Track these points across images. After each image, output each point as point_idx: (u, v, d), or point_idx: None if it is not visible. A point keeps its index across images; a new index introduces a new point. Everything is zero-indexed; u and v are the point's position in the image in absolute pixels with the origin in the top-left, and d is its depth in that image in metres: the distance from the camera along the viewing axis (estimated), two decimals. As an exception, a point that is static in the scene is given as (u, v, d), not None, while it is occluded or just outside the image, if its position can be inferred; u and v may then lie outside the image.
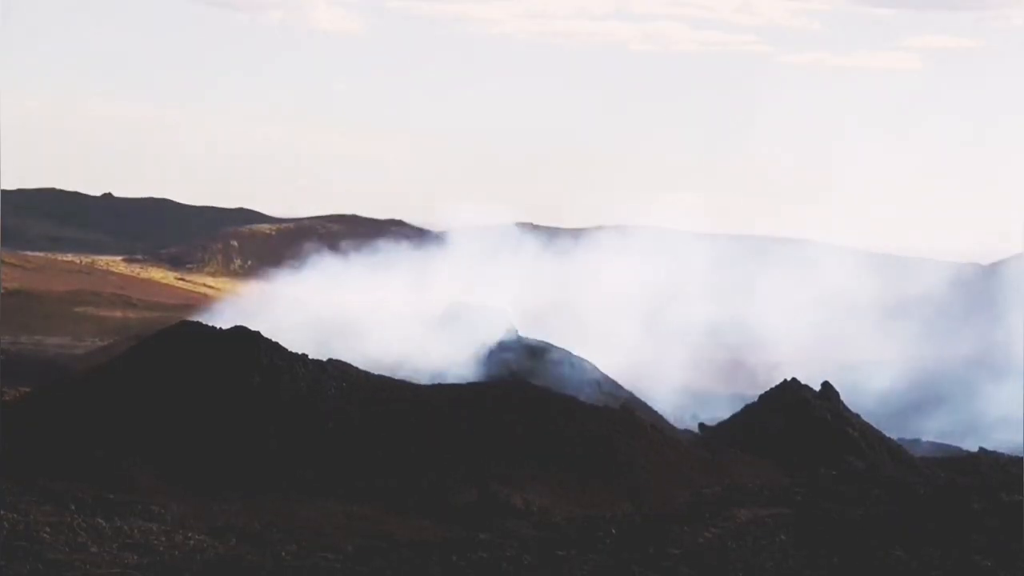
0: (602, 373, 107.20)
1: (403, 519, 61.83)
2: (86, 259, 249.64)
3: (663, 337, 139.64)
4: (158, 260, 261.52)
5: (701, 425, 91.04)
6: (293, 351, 74.29)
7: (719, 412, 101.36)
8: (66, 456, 65.44)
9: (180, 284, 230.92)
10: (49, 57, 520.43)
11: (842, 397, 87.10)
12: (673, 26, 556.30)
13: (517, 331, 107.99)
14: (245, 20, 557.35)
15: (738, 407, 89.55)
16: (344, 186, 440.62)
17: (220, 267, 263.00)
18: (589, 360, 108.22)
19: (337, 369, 74.76)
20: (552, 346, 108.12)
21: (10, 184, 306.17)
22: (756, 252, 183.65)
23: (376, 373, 79.28)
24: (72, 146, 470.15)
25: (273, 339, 74.54)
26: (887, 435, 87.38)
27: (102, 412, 69.46)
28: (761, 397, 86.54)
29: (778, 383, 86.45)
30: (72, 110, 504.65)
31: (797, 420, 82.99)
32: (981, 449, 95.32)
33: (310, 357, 74.44)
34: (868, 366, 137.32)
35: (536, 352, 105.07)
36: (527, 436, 71.24)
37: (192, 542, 52.80)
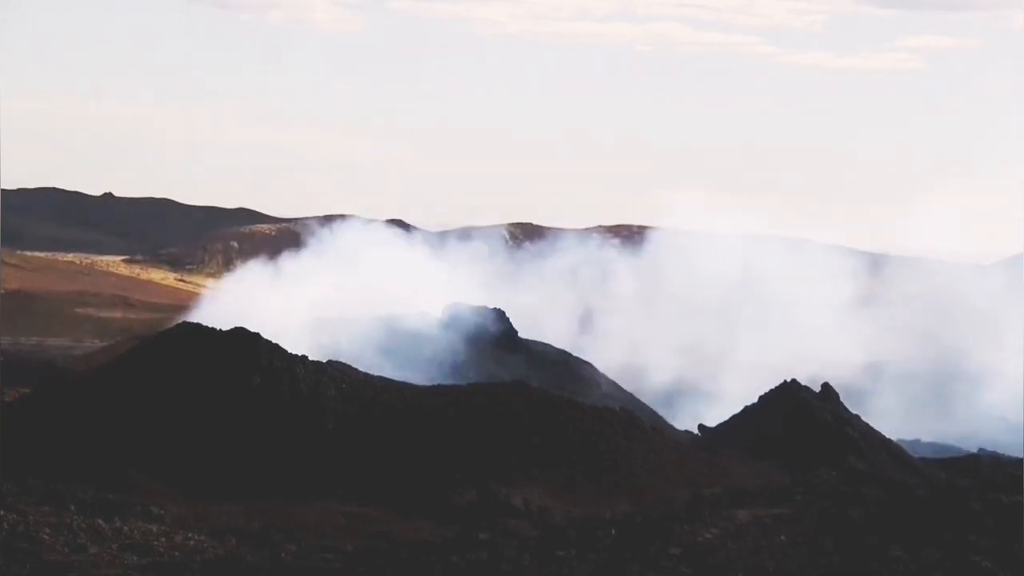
0: (602, 374, 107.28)
1: (403, 519, 61.81)
2: (86, 259, 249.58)
3: (662, 337, 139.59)
4: (158, 260, 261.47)
5: (701, 425, 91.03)
6: (293, 352, 74.35)
7: (719, 412, 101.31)
8: (66, 456, 65.47)
9: (180, 285, 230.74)
10: (49, 57, 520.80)
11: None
12: (676, 27, 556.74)
13: (516, 332, 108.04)
14: (246, 20, 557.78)
15: (738, 407, 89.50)
16: (344, 186, 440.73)
17: (220, 267, 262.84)
18: (588, 361, 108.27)
19: (337, 370, 74.75)
20: (551, 347, 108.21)
21: (10, 184, 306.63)
22: (756, 252, 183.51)
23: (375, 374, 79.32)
24: (72, 146, 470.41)
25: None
26: (887, 435, 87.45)
27: (102, 413, 69.46)
28: (761, 397, 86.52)
29: (778, 383, 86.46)
30: (72, 110, 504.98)
31: (797, 421, 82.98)
32: (981, 449, 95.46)
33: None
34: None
35: (535, 353, 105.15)
36: (526, 436, 71.23)
37: (192, 543, 52.77)
